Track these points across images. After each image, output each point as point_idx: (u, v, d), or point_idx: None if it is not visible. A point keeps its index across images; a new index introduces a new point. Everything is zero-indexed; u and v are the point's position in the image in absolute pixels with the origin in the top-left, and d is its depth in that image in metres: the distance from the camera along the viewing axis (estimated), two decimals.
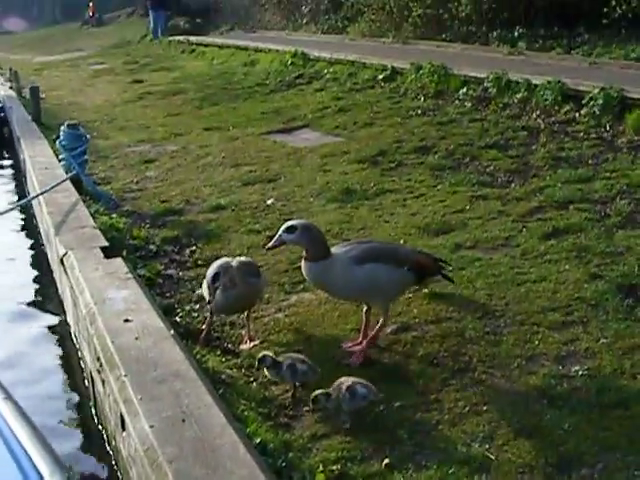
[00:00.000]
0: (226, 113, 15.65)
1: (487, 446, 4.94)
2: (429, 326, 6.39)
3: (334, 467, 4.87)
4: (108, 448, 5.99)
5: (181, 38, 28.72)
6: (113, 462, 5.82)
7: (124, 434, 5.28)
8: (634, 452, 4.80)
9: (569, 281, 6.93)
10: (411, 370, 5.84)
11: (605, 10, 16.84)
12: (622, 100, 12.08)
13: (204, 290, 6.50)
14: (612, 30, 17.35)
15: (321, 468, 4.85)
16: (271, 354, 5.77)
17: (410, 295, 6.87)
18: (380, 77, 16.66)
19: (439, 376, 5.62)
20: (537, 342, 6.06)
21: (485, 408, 5.30)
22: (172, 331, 6.19)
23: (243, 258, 6.82)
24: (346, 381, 5.34)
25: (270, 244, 6.27)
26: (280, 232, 6.10)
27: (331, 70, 18.20)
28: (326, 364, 5.99)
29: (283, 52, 20.66)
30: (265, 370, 5.77)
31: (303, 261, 6.07)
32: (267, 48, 22.05)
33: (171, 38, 29.63)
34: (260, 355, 5.80)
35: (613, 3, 16.69)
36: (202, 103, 16.95)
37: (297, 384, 5.71)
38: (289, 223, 6.13)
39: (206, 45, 25.49)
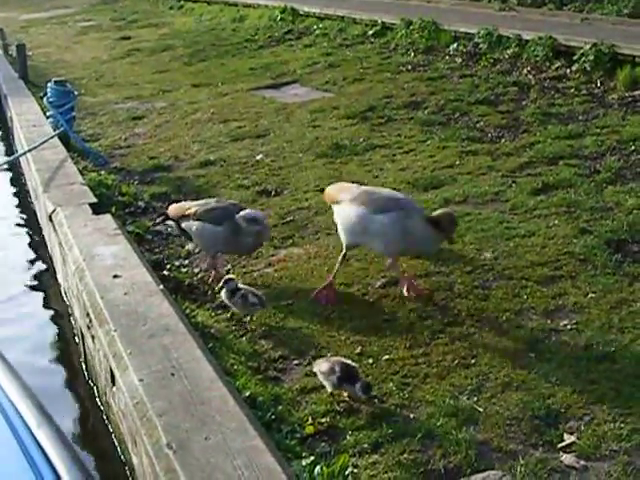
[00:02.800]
0: (215, 69, 15.54)
1: (475, 399, 4.97)
2: (418, 280, 6.40)
3: (323, 420, 4.91)
4: (99, 403, 6.01)
5: None
6: (104, 417, 5.85)
7: (114, 389, 5.31)
8: (620, 405, 4.83)
9: (558, 236, 6.94)
10: (400, 324, 5.86)
11: None
12: (613, 56, 12.03)
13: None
14: None
15: (310, 421, 4.88)
16: (237, 282, 6.08)
17: None
18: (370, 32, 16.56)
19: (428, 330, 5.64)
20: (525, 296, 6.08)
21: (473, 361, 5.32)
22: (161, 286, 6.20)
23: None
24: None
25: None
26: None
27: (321, 26, 18.06)
28: (314, 318, 6.02)
29: (272, 7, 20.48)
30: (223, 292, 6.06)
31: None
32: (256, 4, 21.85)
33: None
34: (227, 277, 6.11)
35: None
36: (190, 59, 16.83)
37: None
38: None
39: (195, 1, 25.23)
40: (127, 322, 5.59)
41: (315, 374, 5.18)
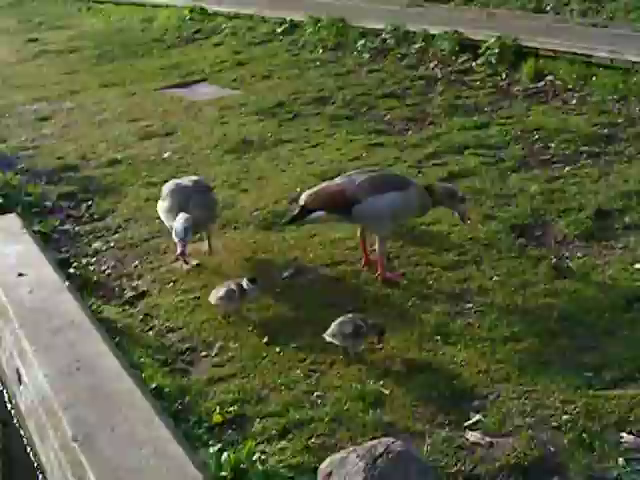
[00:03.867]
0: (123, 70, 15.38)
1: (382, 382, 5.02)
2: (325, 269, 6.44)
3: (231, 409, 4.91)
4: (9, 407, 5.92)
5: None
6: (15, 420, 5.77)
7: (21, 387, 5.23)
8: (524, 383, 4.94)
9: None
10: (306, 312, 5.89)
11: None
12: (518, 49, 12.20)
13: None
14: None
15: (218, 410, 4.88)
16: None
17: (306, 241, 6.92)
18: (279, 30, 16.52)
19: (334, 317, 5.63)
20: (431, 282, 6.17)
21: (380, 346, 5.37)
22: (67, 283, 6.14)
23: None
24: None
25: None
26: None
27: (230, 24, 17.96)
28: None
29: (181, 7, 20.33)
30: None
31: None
32: (165, 4, 21.66)
33: None
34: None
35: None
36: (99, 60, 16.62)
37: None
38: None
39: (103, 2, 24.96)
40: (32, 319, 5.54)
41: None
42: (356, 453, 3.40)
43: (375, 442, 3.49)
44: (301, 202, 6.29)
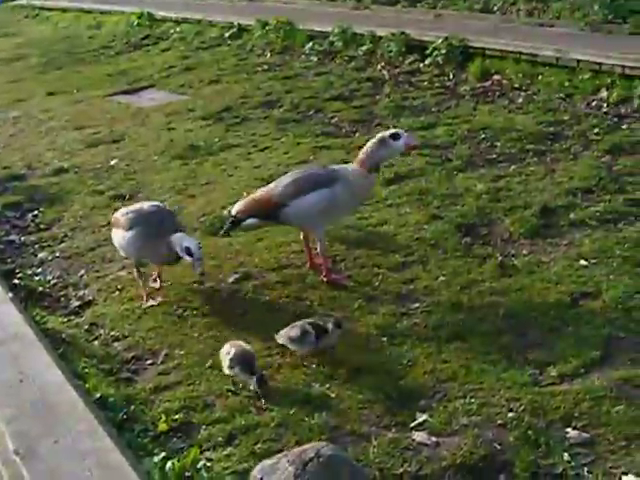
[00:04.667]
0: (70, 77, 15.28)
1: (328, 385, 5.00)
2: (271, 274, 6.41)
3: (177, 416, 4.86)
4: None
5: (24, 2, 27.90)
6: None
7: None
8: (470, 381, 4.93)
9: (409, 223, 7.05)
10: (253, 318, 5.86)
11: None
12: (465, 49, 12.28)
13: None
14: None
15: (164, 418, 4.83)
16: None
17: (252, 246, 6.90)
18: (227, 35, 16.51)
19: (280, 322, 5.61)
20: (378, 283, 6.16)
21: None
22: (10, 294, 6.08)
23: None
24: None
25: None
26: (392, 143, 6.09)
27: (178, 30, 17.94)
28: (168, 317, 5.99)
29: (129, 14, 20.25)
30: None
31: (370, 173, 6.15)
32: (113, 10, 21.59)
33: (14, 3, 28.74)
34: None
35: None
36: (46, 68, 16.51)
37: None
38: (391, 131, 6.18)
39: (50, 9, 24.80)
40: None
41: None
42: (287, 458, 3.38)
43: (306, 447, 3.47)
44: (233, 212, 6.37)
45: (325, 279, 6.26)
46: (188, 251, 5.76)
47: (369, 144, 6.06)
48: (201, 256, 5.81)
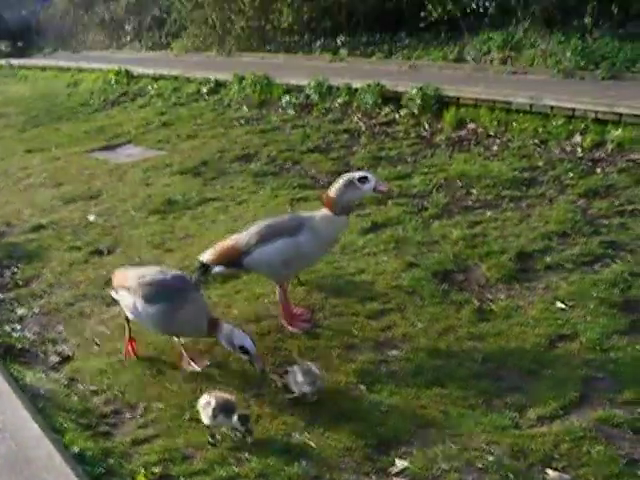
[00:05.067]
0: (48, 134, 15.33)
1: (307, 434, 4.98)
2: (249, 325, 6.39)
3: (156, 469, 4.83)
4: None
5: (2, 62, 28.08)
6: None
7: None
8: (449, 426, 4.93)
9: (387, 271, 7.07)
10: (232, 369, 5.85)
11: (423, 14, 17.15)
12: (439, 99, 12.37)
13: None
14: (431, 34, 17.68)
15: (143, 471, 4.80)
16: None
17: (230, 297, 6.90)
18: (204, 90, 16.63)
19: (257, 373, 5.60)
20: (356, 331, 6.16)
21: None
22: None
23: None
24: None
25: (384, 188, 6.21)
26: (359, 185, 6.01)
27: (155, 86, 18.06)
28: (147, 370, 5.97)
29: (107, 71, 20.38)
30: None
31: (333, 215, 6.04)
32: (91, 68, 21.73)
33: None
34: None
35: (429, 7, 16.99)
36: (24, 126, 16.56)
37: None
38: (360, 173, 6.12)
39: (28, 68, 24.99)
40: None
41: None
42: None
43: None
44: (202, 259, 6.42)
45: (288, 325, 6.31)
46: (243, 350, 5.47)
47: (336, 185, 6.02)
48: (256, 352, 5.50)
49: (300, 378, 5.30)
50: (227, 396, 5.14)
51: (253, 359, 5.48)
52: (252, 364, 5.51)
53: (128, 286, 5.92)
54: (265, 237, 6.14)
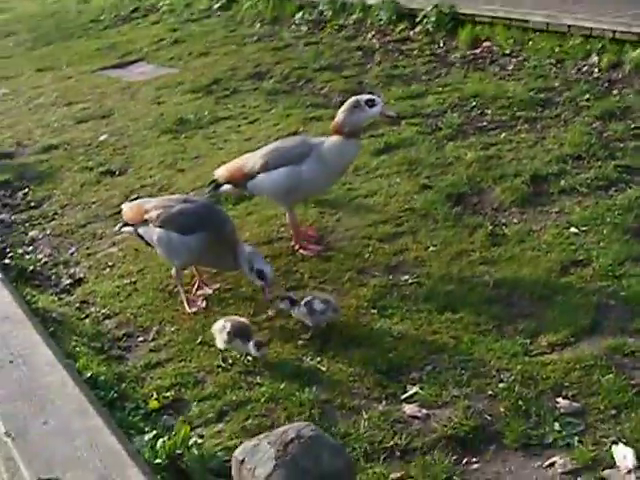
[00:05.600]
0: (59, 52, 15.20)
1: (318, 359, 5.00)
2: (261, 247, 6.38)
3: (168, 394, 4.87)
4: None
5: None
6: None
7: None
8: (460, 352, 4.92)
9: (399, 194, 7.02)
10: (242, 292, 5.85)
11: None
12: (454, 16, 12.15)
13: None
14: None
15: (155, 396, 4.83)
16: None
17: (242, 219, 6.87)
18: (216, 6, 16.39)
19: (271, 295, 5.61)
20: (368, 255, 6.14)
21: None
22: (0, 275, 6.06)
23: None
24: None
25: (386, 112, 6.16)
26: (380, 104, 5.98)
27: (167, 2, 17.78)
28: (159, 294, 5.97)
29: None
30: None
31: (343, 138, 5.98)
32: None
33: None
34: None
35: None
36: (35, 44, 16.43)
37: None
38: (367, 96, 6.04)
39: None
40: None
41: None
42: (267, 440, 3.37)
43: (286, 427, 3.45)
44: (214, 176, 6.49)
45: (299, 248, 6.31)
46: (260, 274, 5.38)
47: (343, 108, 5.95)
48: (273, 282, 5.45)
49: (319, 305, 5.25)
50: (243, 320, 5.15)
51: (266, 287, 5.43)
52: (262, 290, 5.48)
53: (150, 218, 5.73)
54: (269, 164, 6.11)
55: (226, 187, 6.43)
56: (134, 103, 10.94)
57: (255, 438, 3.52)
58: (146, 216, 5.75)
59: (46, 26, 18.00)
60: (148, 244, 5.89)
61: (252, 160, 6.21)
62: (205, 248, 5.53)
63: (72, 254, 6.91)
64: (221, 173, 6.41)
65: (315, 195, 6.54)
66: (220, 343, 5.13)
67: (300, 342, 5.19)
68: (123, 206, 6.18)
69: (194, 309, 5.70)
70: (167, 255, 5.75)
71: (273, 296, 5.52)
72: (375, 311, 5.42)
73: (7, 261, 6.77)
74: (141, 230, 5.86)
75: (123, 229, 6.10)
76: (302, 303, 5.25)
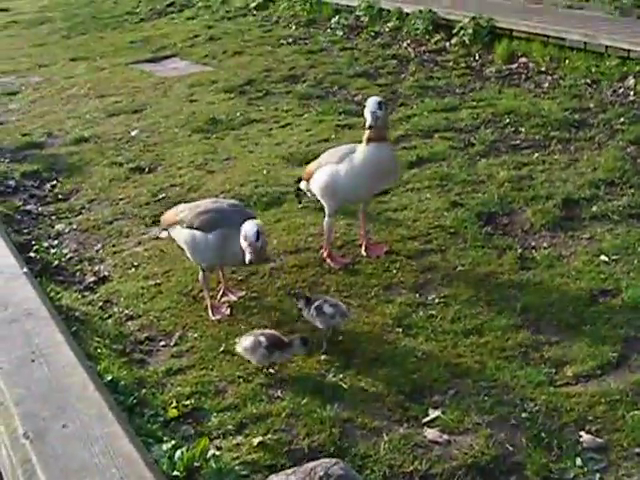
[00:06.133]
0: (94, 43, 15.23)
1: (341, 375, 4.95)
2: (288, 256, 6.35)
3: (187, 402, 4.83)
4: None
5: None
6: None
7: None
8: (485, 378, 4.87)
9: (430, 209, 6.97)
10: (268, 301, 5.81)
11: None
12: (492, 30, 12.13)
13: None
14: None
15: (174, 403, 4.80)
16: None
17: (270, 226, 6.83)
18: (252, 5, 16.40)
19: (295, 307, 5.57)
20: (395, 271, 6.09)
21: (340, 338, 5.29)
22: (25, 269, 6.02)
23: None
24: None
25: (371, 123, 5.81)
26: (373, 109, 5.78)
27: None
28: (183, 297, 5.94)
29: None
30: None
31: (372, 144, 5.88)
32: None
33: None
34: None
35: None
36: (69, 32, 16.47)
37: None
38: (376, 99, 5.90)
39: None
40: None
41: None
42: (295, 476, 3.32)
43: (315, 464, 3.41)
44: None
45: (328, 259, 6.28)
46: (244, 235, 5.17)
47: (371, 114, 5.78)
48: (254, 243, 5.10)
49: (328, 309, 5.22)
50: (270, 331, 5.09)
51: (248, 247, 5.12)
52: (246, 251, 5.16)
53: (180, 220, 5.68)
54: (321, 163, 6.16)
55: (303, 185, 6.48)
56: (166, 99, 10.93)
57: (282, 473, 3.47)
58: (177, 218, 5.73)
59: (82, 15, 18.06)
60: (180, 247, 5.85)
61: (317, 160, 6.28)
62: (225, 245, 5.39)
63: (97, 251, 6.89)
64: (304, 172, 6.48)
65: (355, 200, 6.34)
66: (258, 359, 5.03)
67: (323, 357, 5.13)
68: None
69: (218, 316, 5.66)
70: (192, 255, 5.68)
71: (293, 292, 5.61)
72: (400, 329, 5.38)
73: (32, 254, 6.75)
74: (173, 232, 5.83)
75: (161, 233, 6.29)
76: (313, 306, 5.25)
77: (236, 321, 5.57)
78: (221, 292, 5.94)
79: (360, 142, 6.01)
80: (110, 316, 5.85)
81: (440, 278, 5.97)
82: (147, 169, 8.48)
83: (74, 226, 7.41)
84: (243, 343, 5.06)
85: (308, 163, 7.78)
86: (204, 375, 5.06)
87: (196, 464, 4.17)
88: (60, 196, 8.12)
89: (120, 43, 14.83)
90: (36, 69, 13.60)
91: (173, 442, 4.34)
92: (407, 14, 13.46)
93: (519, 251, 6.25)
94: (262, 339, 4.98)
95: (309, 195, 6.49)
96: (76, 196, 8.07)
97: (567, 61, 10.83)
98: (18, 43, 16.10)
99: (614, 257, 6.06)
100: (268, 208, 7.23)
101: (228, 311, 5.73)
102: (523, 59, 11.38)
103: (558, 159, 7.88)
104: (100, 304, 6.03)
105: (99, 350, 5.30)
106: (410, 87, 10.53)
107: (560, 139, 8.41)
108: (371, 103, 5.83)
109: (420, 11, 13.23)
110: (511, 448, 4.31)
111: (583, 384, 4.77)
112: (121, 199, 7.81)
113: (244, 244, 5.15)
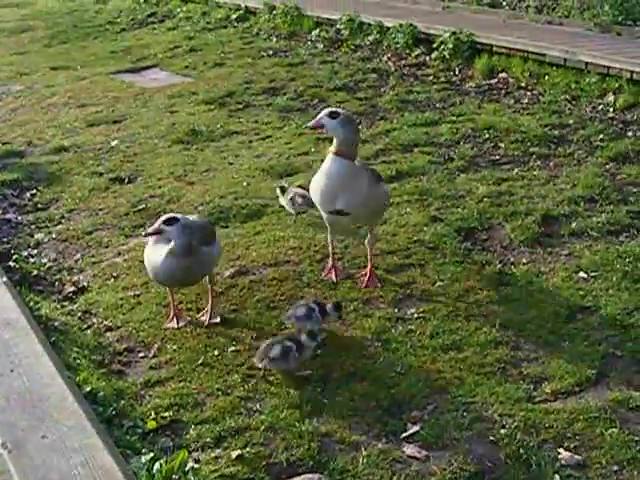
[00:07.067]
0: (75, 52, 15.21)
1: (320, 390, 4.94)
2: (267, 269, 6.36)
3: (166, 414, 4.81)
4: None
5: None
6: None
7: None
8: (464, 393, 4.87)
9: (409, 224, 6.99)
10: (247, 315, 5.80)
11: None
12: (472, 45, 12.20)
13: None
14: None
15: (153, 415, 4.78)
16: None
17: (249, 239, 6.83)
18: (233, 17, 16.44)
19: (275, 320, 5.59)
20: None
21: (319, 352, 5.28)
22: (4, 278, 6.02)
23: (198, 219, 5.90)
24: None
25: (310, 123, 5.85)
26: (322, 115, 5.72)
27: (184, 9, 17.86)
28: (162, 309, 5.93)
29: None
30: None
31: (330, 155, 5.76)
32: None
33: None
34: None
35: None
36: (51, 41, 16.45)
37: None
38: (333, 108, 5.85)
39: None
40: None
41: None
42: None
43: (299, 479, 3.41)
44: None
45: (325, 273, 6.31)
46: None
47: (337, 130, 5.69)
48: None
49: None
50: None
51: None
52: None
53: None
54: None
55: None
56: (146, 110, 10.92)
57: None
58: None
59: (63, 24, 18.04)
60: None
61: None
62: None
63: (77, 261, 6.87)
64: None
65: (325, 212, 6.26)
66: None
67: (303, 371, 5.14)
68: None
69: (172, 324, 5.73)
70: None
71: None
72: (379, 344, 5.38)
73: (11, 264, 6.73)
74: None
75: None
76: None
77: (214, 334, 5.56)
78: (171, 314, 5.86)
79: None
80: (89, 327, 5.83)
81: (419, 293, 5.98)
82: (127, 179, 8.48)
83: (53, 235, 7.39)
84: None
85: (288, 176, 7.85)
86: (183, 387, 5.04)
87: (175, 477, 4.15)
88: (40, 205, 8.10)
89: (101, 53, 14.83)
90: (16, 77, 13.57)
91: (152, 454, 4.32)
92: (388, 28, 13.53)
93: (498, 267, 6.28)
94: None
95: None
96: (56, 205, 8.05)
97: (547, 77, 10.90)
98: None
99: (593, 274, 6.09)
100: (248, 220, 7.24)
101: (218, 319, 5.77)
102: (503, 74, 11.44)
103: (537, 175, 7.92)
104: (79, 314, 6.01)
105: (78, 361, 5.28)
106: (390, 101, 10.57)
107: (539, 155, 8.46)
108: (323, 111, 5.83)
109: (401, 25, 13.28)
110: (490, 464, 4.30)
111: (562, 401, 4.79)
112: (101, 209, 7.79)
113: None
